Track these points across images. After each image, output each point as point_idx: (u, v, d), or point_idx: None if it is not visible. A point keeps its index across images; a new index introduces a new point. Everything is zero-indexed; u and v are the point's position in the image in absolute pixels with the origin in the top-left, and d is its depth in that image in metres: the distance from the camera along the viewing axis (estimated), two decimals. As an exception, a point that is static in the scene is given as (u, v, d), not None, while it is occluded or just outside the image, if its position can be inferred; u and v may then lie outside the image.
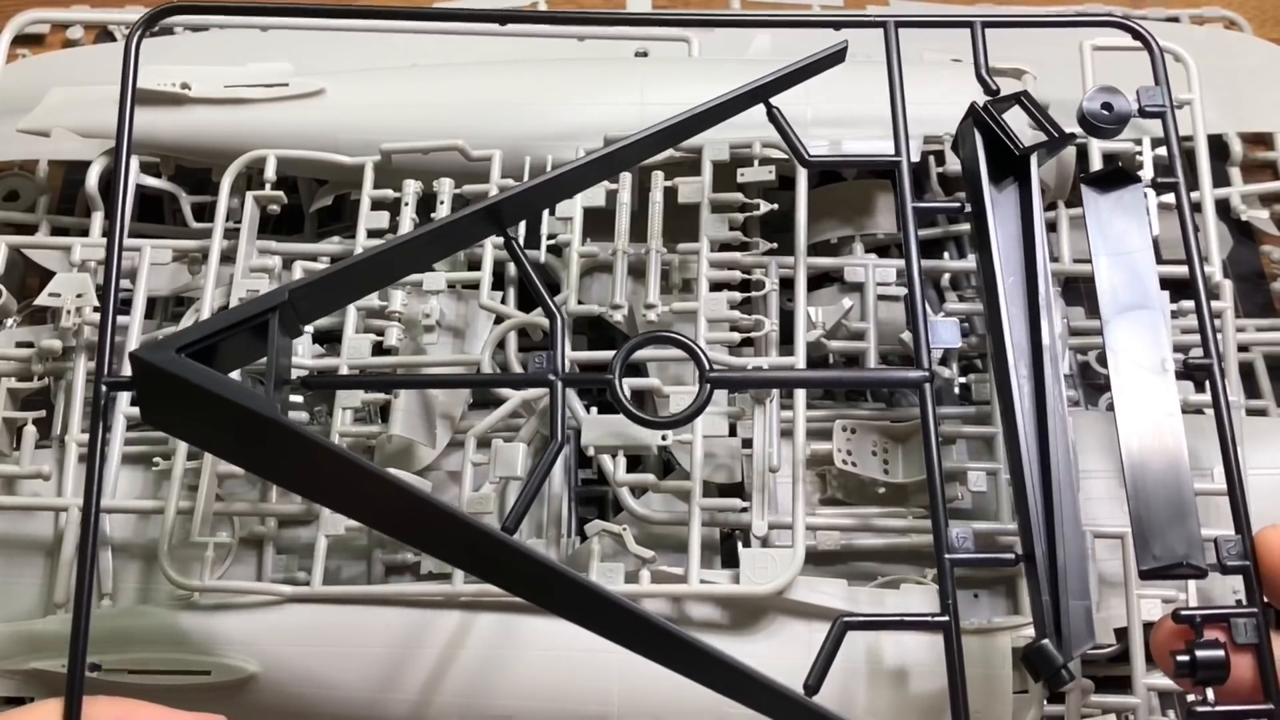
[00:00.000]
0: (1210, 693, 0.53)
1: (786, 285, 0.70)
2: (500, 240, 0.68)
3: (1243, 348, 0.81)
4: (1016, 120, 0.60)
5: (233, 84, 0.74)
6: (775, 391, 0.64)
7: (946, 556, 0.54)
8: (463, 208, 0.69)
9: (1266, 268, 0.87)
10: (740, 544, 0.64)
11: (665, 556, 0.64)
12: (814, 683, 0.52)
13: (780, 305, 0.69)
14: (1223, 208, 0.84)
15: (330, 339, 0.71)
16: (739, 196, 0.69)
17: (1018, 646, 0.62)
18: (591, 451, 0.64)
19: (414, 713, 0.63)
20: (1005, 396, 0.57)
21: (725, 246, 0.68)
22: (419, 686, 0.63)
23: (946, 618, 0.53)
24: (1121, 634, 0.66)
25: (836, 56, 0.62)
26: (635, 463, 0.68)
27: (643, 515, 0.65)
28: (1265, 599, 0.54)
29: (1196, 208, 0.74)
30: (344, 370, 0.67)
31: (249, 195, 0.71)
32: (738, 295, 0.68)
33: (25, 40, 0.90)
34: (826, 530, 0.68)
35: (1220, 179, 0.84)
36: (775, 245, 0.67)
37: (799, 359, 0.66)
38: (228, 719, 0.55)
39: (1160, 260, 0.79)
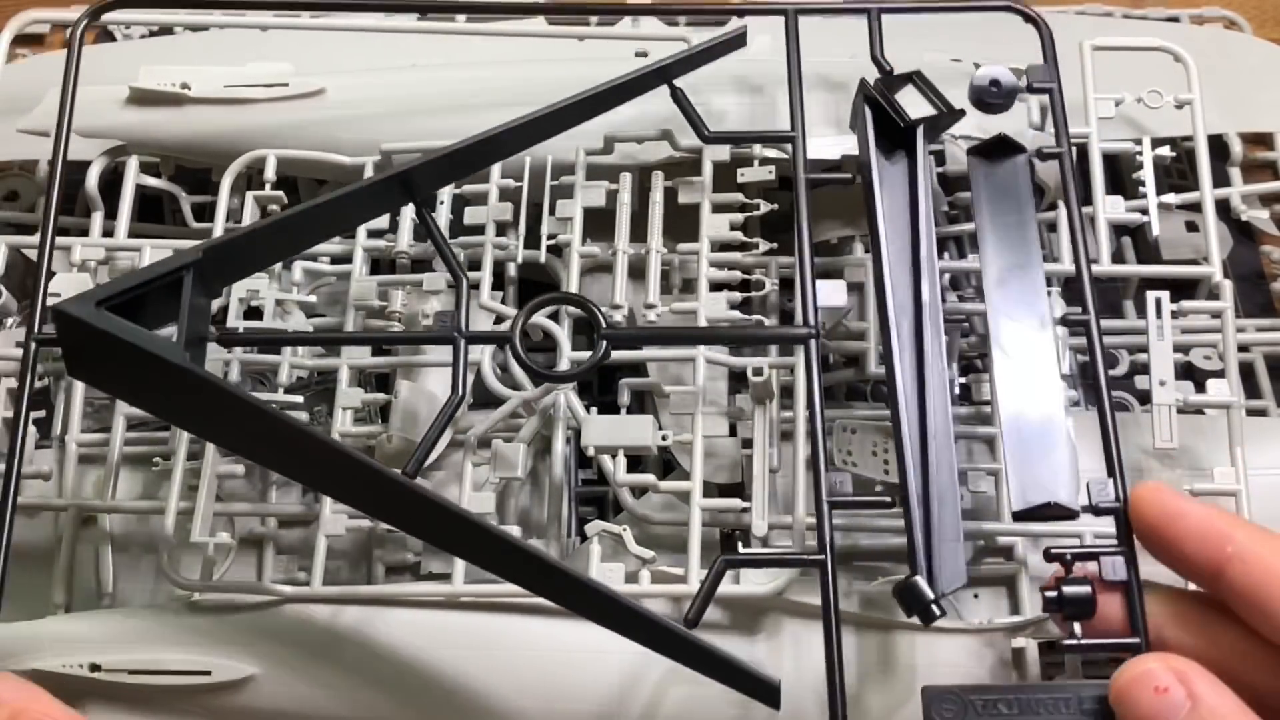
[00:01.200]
0: (1078, 627, 0.55)
1: (786, 285, 0.70)
2: (500, 239, 0.69)
3: (1243, 348, 0.81)
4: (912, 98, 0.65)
5: (233, 84, 0.74)
6: (775, 391, 0.64)
7: (825, 499, 0.57)
8: (463, 208, 0.70)
9: (1266, 268, 0.87)
10: (740, 545, 0.64)
11: (665, 557, 0.64)
12: (694, 616, 0.56)
13: (780, 305, 0.69)
14: (1223, 208, 0.84)
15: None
16: (739, 197, 0.69)
17: (1018, 648, 0.62)
18: (591, 452, 0.64)
19: (414, 714, 0.63)
20: (887, 350, 0.60)
21: (725, 247, 0.68)
22: (418, 687, 0.63)
23: (823, 556, 0.56)
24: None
25: (736, 41, 0.67)
26: (635, 463, 0.68)
27: (642, 515, 0.65)
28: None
29: (1196, 208, 0.74)
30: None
31: (249, 195, 0.71)
32: (738, 296, 0.67)
33: (25, 40, 0.90)
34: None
35: (1220, 180, 0.83)
36: (775, 245, 0.67)
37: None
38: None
39: (1160, 260, 0.80)
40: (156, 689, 0.63)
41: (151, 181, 0.76)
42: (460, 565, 0.63)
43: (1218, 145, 0.83)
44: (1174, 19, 0.89)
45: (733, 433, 0.67)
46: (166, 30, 0.87)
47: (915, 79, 0.65)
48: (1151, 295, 0.70)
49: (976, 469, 0.68)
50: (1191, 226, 0.82)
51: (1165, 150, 0.74)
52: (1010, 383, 0.59)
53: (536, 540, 0.67)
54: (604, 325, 0.60)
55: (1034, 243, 0.63)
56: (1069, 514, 0.58)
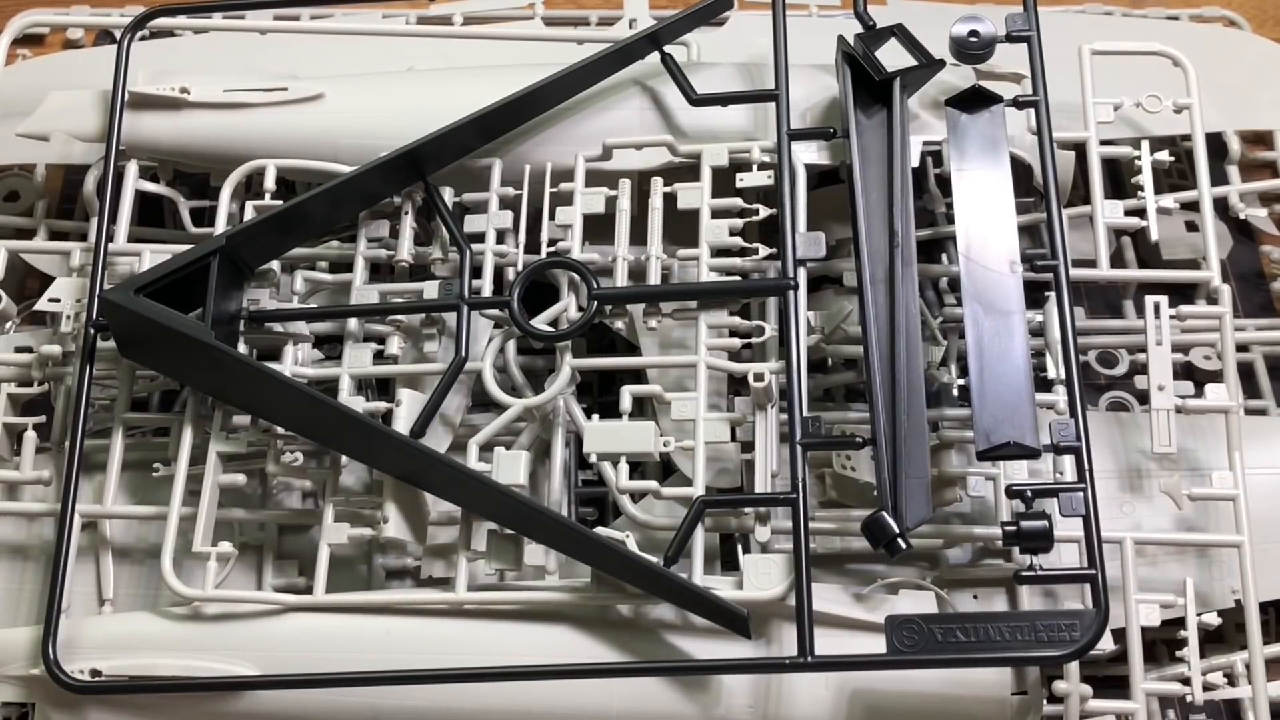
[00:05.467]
0: (1037, 560, 0.59)
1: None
2: (500, 246, 0.69)
3: (1242, 347, 0.81)
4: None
5: (231, 89, 0.74)
6: (775, 396, 0.64)
7: (798, 441, 0.61)
8: (463, 215, 0.70)
9: (1266, 268, 0.87)
10: (740, 549, 0.65)
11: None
12: (673, 555, 0.60)
13: (779, 309, 0.69)
14: (1221, 206, 0.84)
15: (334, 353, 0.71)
16: (738, 202, 0.68)
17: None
18: (594, 459, 0.64)
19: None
20: (860, 297, 0.63)
21: (724, 252, 0.68)
22: (420, 694, 0.63)
23: (795, 495, 0.60)
24: (1120, 636, 0.67)
25: (721, 4, 0.72)
26: (635, 466, 0.68)
27: (644, 522, 0.65)
28: None
29: (1194, 207, 0.75)
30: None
31: (249, 204, 0.70)
32: (737, 321, 0.67)
33: (26, 41, 0.90)
34: (826, 535, 0.69)
35: (1219, 179, 0.83)
36: (775, 250, 0.67)
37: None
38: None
39: (1160, 263, 0.80)
40: (156, 695, 0.64)
41: (150, 187, 0.76)
42: (463, 572, 0.64)
43: (1216, 144, 0.83)
44: (1174, 19, 0.88)
45: (733, 437, 0.67)
46: (165, 33, 0.86)
47: (897, 32, 0.67)
48: (1150, 300, 0.70)
49: (976, 474, 0.68)
50: (1191, 226, 0.82)
51: (1164, 155, 0.74)
52: (978, 329, 0.62)
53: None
54: (595, 287, 0.65)
55: (1006, 190, 0.65)
56: (1031, 453, 0.60)
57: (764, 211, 0.68)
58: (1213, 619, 0.67)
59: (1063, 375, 0.63)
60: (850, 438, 0.64)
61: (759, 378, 0.64)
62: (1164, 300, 0.70)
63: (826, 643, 0.60)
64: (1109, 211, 0.72)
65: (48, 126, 0.76)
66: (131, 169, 0.74)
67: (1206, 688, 0.66)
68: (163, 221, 0.82)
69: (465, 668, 0.61)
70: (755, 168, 0.69)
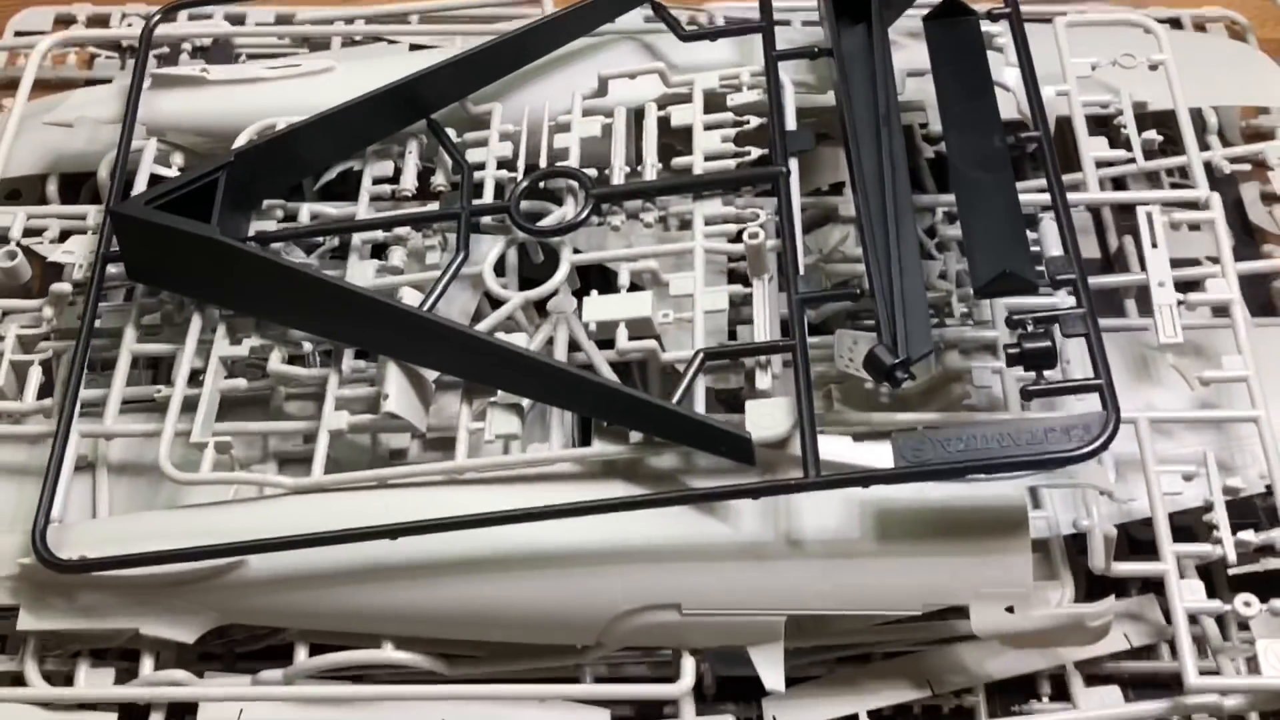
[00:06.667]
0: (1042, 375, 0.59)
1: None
2: (500, 173, 0.71)
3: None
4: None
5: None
6: (771, 265, 0.65)
7: (795, 295, 0.62)
8: (465, 149, 0.72)
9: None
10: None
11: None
12: (680, 399, 0.60)
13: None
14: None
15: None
16: (730, 116, 0.71)
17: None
18: (593, 327, 0.64)
19: (414, 591, 0.61)
20: (852, 177, 0.65)
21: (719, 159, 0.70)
22: (418, 571, 0.61)
23: (794, 342, 0.60)
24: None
25: None
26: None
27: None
28: None
29: (1183, 173, 0.77)
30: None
31: (258, 143, 0.73)
32: (732, 210, 0.69)
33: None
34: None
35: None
36: (767, 152, 0.69)
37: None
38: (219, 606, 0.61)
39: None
40: (147, 581, 0.62)
41: (164, 170, 0.78)
42: (464, 442, 0.63)
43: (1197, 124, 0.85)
44: (1175, 19, 0.92)
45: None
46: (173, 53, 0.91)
47: None
48: (1142, 210, 0.71)
49: (980, 366, 0.68)
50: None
51: (1145, 100, 0.77)
52: (968, 190, 0.63)
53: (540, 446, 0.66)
54: (591, 185, 0.66)
55: (987, 85, 0.67)
56: (1028, 284, 0.60)
57: (755, 121, 0.71)
58: (1239, 483, 0.65)
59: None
60: (848, 290, 0.64)
61: (753, 235, 0.64)
62: (1156, 208, 0.71)
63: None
64: (1095, 146, 0.74)
65: (72, 115, 0.80)
66: (150, 147, 0.77)
67: (1240, 557, 0.63)
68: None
69: (468, 515, 0.59)
70: (745, 89, 0.72)
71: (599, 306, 0.64)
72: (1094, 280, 0.71)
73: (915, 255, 0.62)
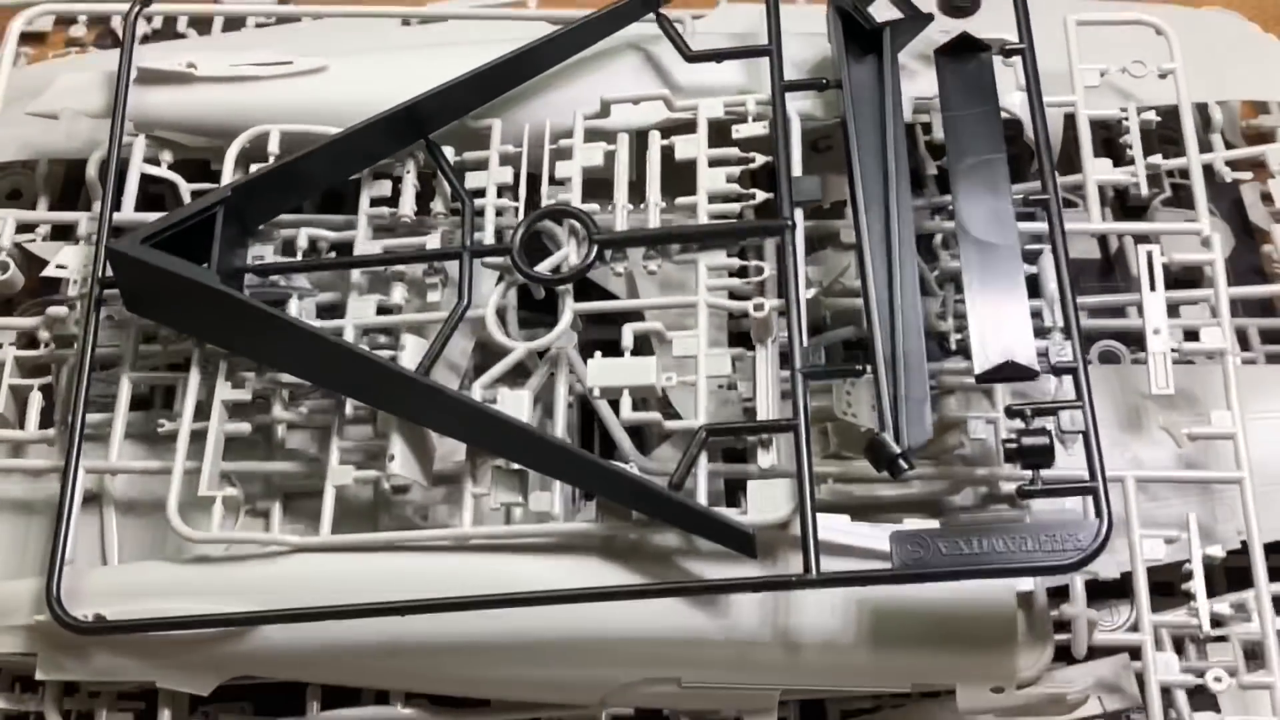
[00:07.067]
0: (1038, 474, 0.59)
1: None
2: (500, 201, 0.71)
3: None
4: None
5: (238, 64, 0.75)
6: (775, 329, 0.65)
7: (798, 369, 0.62)
8: (464, 172, 0.71)
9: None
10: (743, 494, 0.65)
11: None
12: (678, 481, 0.61)
13: (778, 250, 0.70)
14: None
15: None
16: (734, 152, 0.70)
17: (1021, 591, 0.63)
18: (596, 393, 0.64)
19: (421, 656, 0.63)
20: (857, 226, 0.65)
21: (722, 202, 0.69)
22: (427, 631, 0.63)
23: (796, 420, 0.61)
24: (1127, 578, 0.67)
25: None
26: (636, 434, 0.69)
27: (644, 465, 0.66)
28: None
29: (1184, 174, 0.76)
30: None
31: (253, 168, 0.71)
32: (736, 262, 0.68)
33: (28, 39, 0.90)
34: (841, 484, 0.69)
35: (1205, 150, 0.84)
36: (772, 195, 0.68)
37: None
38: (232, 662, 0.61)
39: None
40: (161, 638, 0.63)
41: (153, 169, 0.76)
42: (469, 509, 0.64)
43: (1201, 118, 0.84)
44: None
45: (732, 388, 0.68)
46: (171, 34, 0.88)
47: None
48: (1142, 249, 0.71)
49: (976, 417, 0.69)
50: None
51: (1151, 115, 0.76)
52: (974, 261, 0.63)
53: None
54: (594, 230, 0.66)
55: (998, 135, 0.66)
56: (1028, 373, 0.61)
57: (760, 159, 0.70)
58: (1218, 551, 0.67)
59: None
60: (850, 365, 0.64)
61: (758, 307, 0.64)
62: (1156, 248, 0.71)
63: (833, 566, 0.59)
64: (1099, 169, 0.74)
65: (57, 105, 0.77)
66: (138, 145, 0.75)
67: (1215, 622, 0.65)
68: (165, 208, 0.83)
69: (473, 596, 0.61)
70: (750, 119, 0.71)
71: (604, 372, 0.65)
72: (1089, 324, 0.72)
73: (918, 333, 0.63)
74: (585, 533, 0.63)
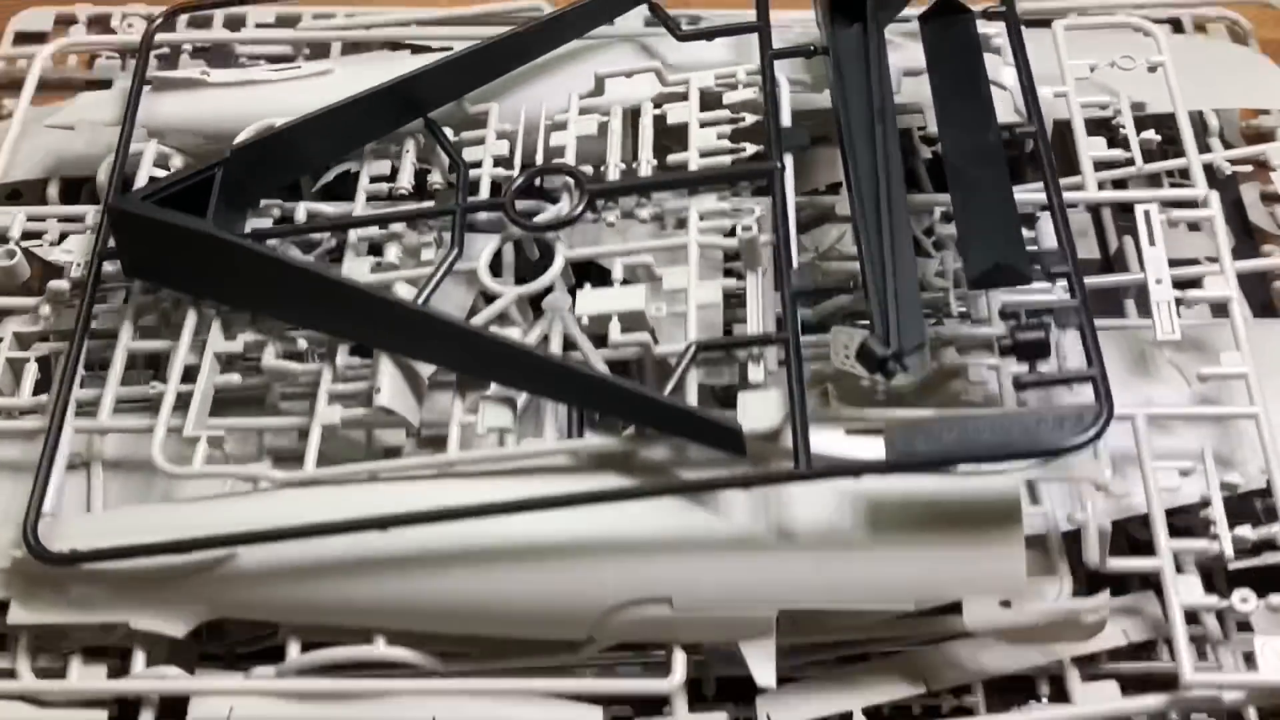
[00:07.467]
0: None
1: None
2: (496, 170, 0.72)
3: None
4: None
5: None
6: (764, 257, 0.65)
7: (789, 289, 0.62)
8: (461, 148, 0.73)
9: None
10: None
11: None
12: (672, 391, 0.60)
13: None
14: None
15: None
16: (725, 113, 0.71)
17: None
18: (585, 321, 0.64)
19: (404, 581, 0.61)
20: (847, 163, 0.65)
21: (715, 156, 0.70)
22: (408, 563, 0.61)
23: (787, 335, 0.60)
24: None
25: None
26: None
27: None
28: None
29: (1184, 174, 0.76)
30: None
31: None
32: (727, 206, 0.69)
33: (27, 38, 0.92)
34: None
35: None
36: (762, 148, 0.69)
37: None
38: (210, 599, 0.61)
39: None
40: (140, 575, 0.61)
41: (161, 173, 0.78)
42: (455, 435, 0.63)
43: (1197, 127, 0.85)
44: (1176, 20, 0.92)
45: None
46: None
47: None
48: (1140, 208, 0.71)
49: (976, 363, 0.67)
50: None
51: (1143, 99, 0.77)
52: (961, 180, 0.63)
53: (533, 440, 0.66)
54: (586, 181, 0.66)
55: (983, 82, 0.67)
56: (1021, 276, 0.59)
57: (750, 118, 0.71)
58: (1237, 478, 0.64)
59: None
60: (840, 284, 0.64)
61: (747, 229, 0.64)
62: (1153, 206, 0.71)
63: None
64: (1093, 146, 0.74)
65: (74, 119, 0.80)
66: (149, 148, 0.77)
67: (1239, 553, 0.62)
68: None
69: (458, 506, 0.59)
70: (741, 86, 0.72)
71: (592, 300, 0.64)
72: (1092, 280, 0.71)
73: (909, 251, 0.62)
74: (573, 449, 0.62)
